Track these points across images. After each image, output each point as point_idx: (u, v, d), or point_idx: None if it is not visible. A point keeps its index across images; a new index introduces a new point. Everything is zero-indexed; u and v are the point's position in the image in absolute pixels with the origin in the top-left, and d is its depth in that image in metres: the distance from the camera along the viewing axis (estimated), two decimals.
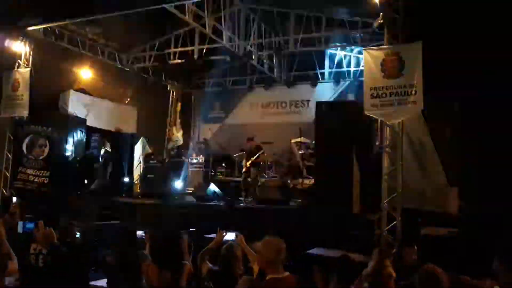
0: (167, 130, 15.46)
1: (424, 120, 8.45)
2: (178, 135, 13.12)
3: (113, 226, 6.74)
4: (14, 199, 9.04)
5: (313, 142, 9.48)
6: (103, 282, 5.22)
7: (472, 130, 7.58)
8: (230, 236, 4.26)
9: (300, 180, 9.91)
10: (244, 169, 10.19)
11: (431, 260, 4.63)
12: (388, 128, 7.41)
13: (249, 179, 10.01)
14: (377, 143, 9.84)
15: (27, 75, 10.23)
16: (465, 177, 7.33)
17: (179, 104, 14.98)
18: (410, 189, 7.57)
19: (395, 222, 6.92)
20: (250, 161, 9.97)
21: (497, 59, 6.82)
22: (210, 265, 3.90)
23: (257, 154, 9.94)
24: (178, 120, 14.31)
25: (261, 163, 10.56)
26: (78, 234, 6.37)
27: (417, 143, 8.73)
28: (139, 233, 4.22)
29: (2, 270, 3.04)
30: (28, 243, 3.81)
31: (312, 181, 9.06)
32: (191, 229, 6.83)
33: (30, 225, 6.83)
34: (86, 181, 10.66)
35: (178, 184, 10.19)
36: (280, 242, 3.18)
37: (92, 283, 5.94)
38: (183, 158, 11.77)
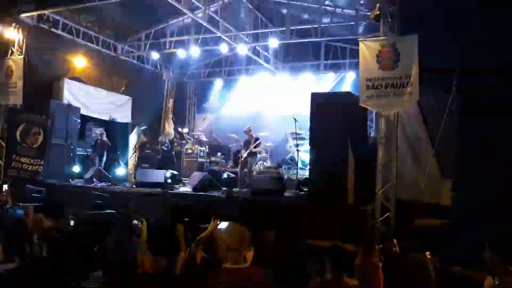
0: (162, 120, 15.43)
1: (419, 111, 8.48)
2: (169, 129, 13.14)
3: (108, 214, 6.73)
4: (5, 187, 9.01)
5: (309, 133, 9.48)
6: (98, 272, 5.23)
7: (467, 122, 7.61)
8: (224, 225, 4.28)
9: (295, 170, 9.96)
10: (241, 160, 10.26)
11: (424, 250, 4.72)
12: (383, 119, 7.43)
13: (245, 169, 10.08)
14: (372, 134, 9.88)
15: (21, 62, 10.12)
16: (459, 169, 7.37)
17: (171, 100, 14.94)
18: (404, 180, 7.62)
19: (389, 213, 6.98)
20: (247, 151, 10.06)
21: (494, 50, 6.83)
22: (204, 253, 3.91)
23: (254, 145, 10.02)
24: (170, 115, 14.28)
25: (258, 153, 10.64)
26: (72, 222, 6.40)
27: (412, 134, 8.78)
28: (135, 222, 4.22)
29: None
30: (21, 230, 3.79)
31: (307, 171, 9.08)
32: (186, 219, 6.86)
33: (20, 212, 6.83)
34: (80, 170, 10.62)
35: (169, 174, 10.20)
36: (244, 230, 3.14)
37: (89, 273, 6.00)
38: (173, 152, 11.87)
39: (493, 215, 6.47)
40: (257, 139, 10.26)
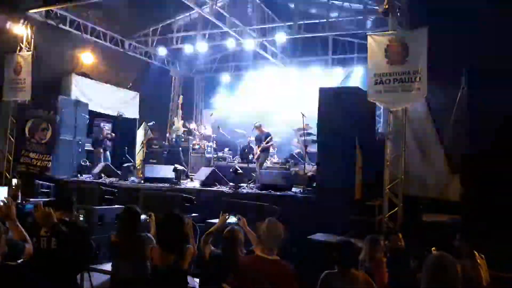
0: (169, 115, 15.47)
1: (428, 107, 8.42)
2: (178, 125, 13.20)
3: (117, 209, 6.77)
4: (14, 181, 9.08)
5: (316, 128, 9.45)
6: (106, 266, 5.28)
7: (475, 117, 7.54)
8: (232, 219, 4.30)
9: (303, 166, 9.95)
10: (256, 156, 10.30)
11: (431, 246, 4.72)
12: (391, 115, 7.39)
13: (258, 165, 10.13)
14: (379, 130, 9.83)
15: (29, 58, 10.17)
16: (468, 165, 7.31)
17: (181, 97, 14.94)
18: (412, 176, 7.58)
19: (396, 209, 6.95)
20: (260, 147, 10.10)
21: (504, 46, 6.75)
22: (213, 248, 3.94)
23: (266, 141, 10.05)
24: (180, 112, 14.32)
25: (270, 149, 10.67)
26: (81, 217, 6.45)
27: (420, 130, 8.72)
28: (143, 217, 4.25)
29: (19, 254, 3.06)
30: (31, 224, 3.82)
31: (315, 167, 9.06)
32: (194, 214, 6.90)
33: (29, 206, 6.89)
34: (88, 165, 10.69)
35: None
36: (278, 225, 3.31)
37: (98, 266, 6.04)
38: (181, 148, 11.88)
39: (501, 211, 6.42)
40: (268, 135, 10.27)
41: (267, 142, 10.14)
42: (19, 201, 7.49)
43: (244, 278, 3.13)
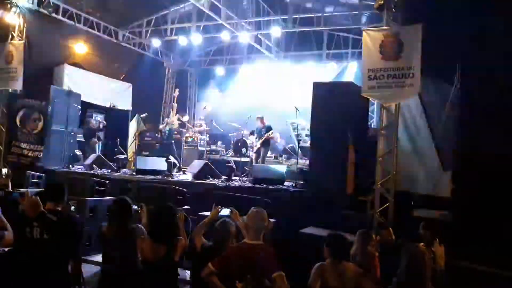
0: (162, 107, 15.39)
1: (420, 103, 8.44)
2: (174, 119, 13.14)
3: (109, 200, 6.73)
4: (4, 171, 8.99)
5: (309, 123, 9.47)
6: (97, 257, 5.26)
7: (468, 114, 7.58)
8: (224, 212, 4.30)
9: (295, 160, 9.95)
10: (255, 150, 10.23)
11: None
12: (384, 110, 7.41)
13: (259, 160, 10.05)
14: (373, 125, 9.87)
15: (21, 47, 10.04)
16: (459, 161, 7.37)
17: (177, 90, 14.85)
18: (404, 171, 7.62)
19: (387, 204, 6.99)
20: (261, 140, 10.02)
21: (499, 43, 6.78)
22: (204, 240, 3.94)
23: (267, 133, 9.99)
24: (175, 105, 14.28)
25: (271, 142, 10.61)
26: (73, 208, 6.42)
27: (412, 126, 8.76)
28: (134, 208, 4.22)
29: None
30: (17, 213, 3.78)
31: (307, 161, 9.08)
32: (186, 206, 6.89)
33: (16, 194, 6.83)
34: (80, 156, 10.62)
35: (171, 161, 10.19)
36: (263, 213, 3.46)
37: (89, 257, 6.02)
38: (173, 140, 11.81)
39: (491, 208, 6.48)
40: (269, 128, 10.18)
41: (268, 136, 10.02)
42: (8, 190, 7.43)
43: (231, 262, 3.23)
